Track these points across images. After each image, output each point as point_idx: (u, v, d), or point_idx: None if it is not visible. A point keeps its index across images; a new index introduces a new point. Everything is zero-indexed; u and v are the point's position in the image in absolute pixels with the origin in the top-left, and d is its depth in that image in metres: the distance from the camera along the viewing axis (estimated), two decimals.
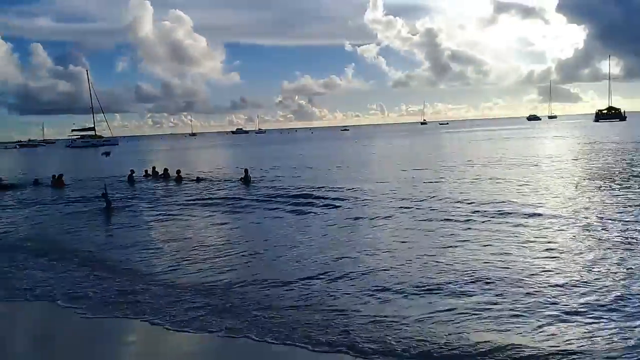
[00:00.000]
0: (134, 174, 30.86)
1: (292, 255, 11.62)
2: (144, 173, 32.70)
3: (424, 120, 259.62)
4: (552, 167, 27.57)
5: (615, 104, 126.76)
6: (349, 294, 8.70)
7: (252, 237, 13.99)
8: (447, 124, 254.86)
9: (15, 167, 54.53)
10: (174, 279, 10.19)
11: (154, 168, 33.09)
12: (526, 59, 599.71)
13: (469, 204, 16.75)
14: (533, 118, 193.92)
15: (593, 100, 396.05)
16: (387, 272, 9.80)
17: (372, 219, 15.37)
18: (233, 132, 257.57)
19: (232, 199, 21.29)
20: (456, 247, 11.45)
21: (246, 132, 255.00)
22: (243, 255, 11.88)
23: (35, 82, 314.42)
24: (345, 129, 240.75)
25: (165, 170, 31.37)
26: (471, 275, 9.24)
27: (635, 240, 11.06)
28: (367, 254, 11.28)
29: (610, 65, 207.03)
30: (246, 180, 26.28)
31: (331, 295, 8.64)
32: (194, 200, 21.57)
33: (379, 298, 8.44)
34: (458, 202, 17.28)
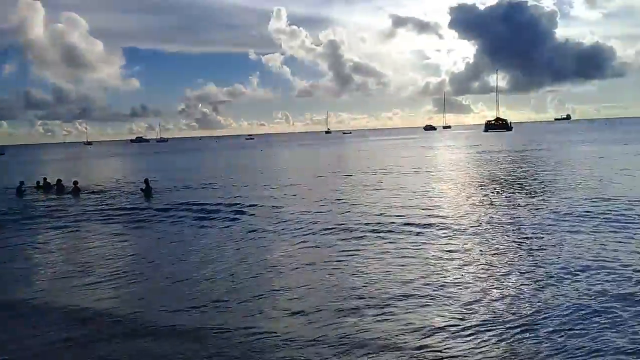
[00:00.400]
0: (23, 186, 28.73)
1: (186, 274, 10.93)
2: (34, 185, 30.54)
3: (329, 129, 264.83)
4: (448, 175, 29.20)
5: (502, 115, 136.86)
6: (231, 316, 8.28)
7: (149, 254, 13.22)
8: (350, 133, 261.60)
9: None
10: (42, 305, 9.19)
11: (45, 179, 30.91)
12: (422, 72, 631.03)
13: (371, 213, 17.02)
14: (429, 128, 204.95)
15: (483, 112, 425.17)
16: (279, 291, 9.50)
17: (273, 231, 15.12)
18: (132, 141, 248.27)
19: (131, 211, 20.43)
20: (347, 261, 11.27)
21: (147, 140, 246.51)
22: (135, 275, 11.12)
23: None
24: (250, 137, 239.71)
25: (59, 181, 29.47)
26: (355, 290, 9.14)
27: (521, 247, 11.79)
28: (259, 272, 10.83)
29: (498, 79, 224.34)
30: (147, 191, 25.38)
31: (212, 319, 8.14)
32: (89, 213, 20.41)
33: (257, 319, 8.06)
34: (360, 211, 17.62)
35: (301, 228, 15.32)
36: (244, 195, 23.11)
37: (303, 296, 9.09)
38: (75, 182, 28.19)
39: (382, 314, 8.03)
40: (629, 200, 16.59)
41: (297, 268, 11.06)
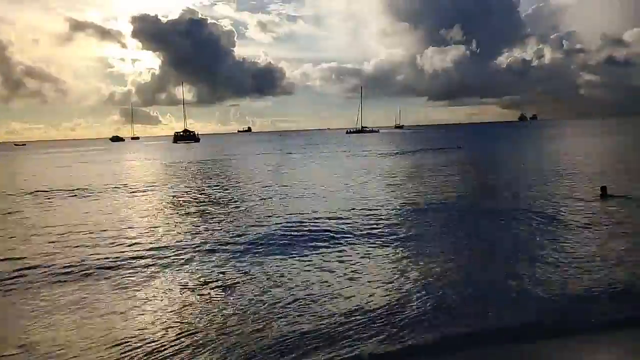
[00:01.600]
0: None
1: None
2: None
3: None
4: (138, 194, 27.26)
5: (190, 127, 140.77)
6: None
7: None
8: (25, 145, 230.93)
9: None
10: None
11: None
12: (107, 80, 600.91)
13: (43, 252, 13.73)
14: (116, 139, 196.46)
15: (171, 123, 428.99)
16: None
17: None
18: None
19: None
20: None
21: None
22: None
23: None
24: None
25: None
26: None
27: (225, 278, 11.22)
28: None
29: (184, 91, 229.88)
30: None
31: None
32: None
33: None
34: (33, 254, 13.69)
35: None
36: None
37: None
38: None
39: None
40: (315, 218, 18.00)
41: None
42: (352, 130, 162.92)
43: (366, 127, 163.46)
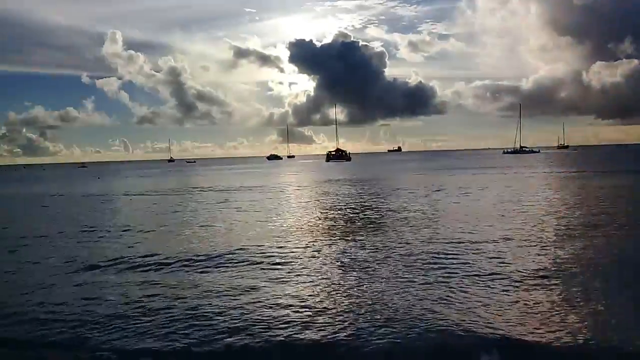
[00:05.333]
0: None
1: None
2: None
3: (171, 157, 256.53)
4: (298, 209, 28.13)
5: (341, 146, 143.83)
6: None
7: None
8: (195, 161, 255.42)
9: None
10: None
11: None
12: (267, 103, 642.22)
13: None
14: (274, 157, 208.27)
15: (324, 142, 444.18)
16: None
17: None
18: None
19: None
20: None
21: None
22: None
23: None
24: (83, 165, 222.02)
25: None
26: None
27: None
28: None
29: (337, 112, 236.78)
30: None
31: None
32: None
33: None
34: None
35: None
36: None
37: None
38: None
39: None
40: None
41: None
42: (509, 150, 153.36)
43: (525, 147, 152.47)
